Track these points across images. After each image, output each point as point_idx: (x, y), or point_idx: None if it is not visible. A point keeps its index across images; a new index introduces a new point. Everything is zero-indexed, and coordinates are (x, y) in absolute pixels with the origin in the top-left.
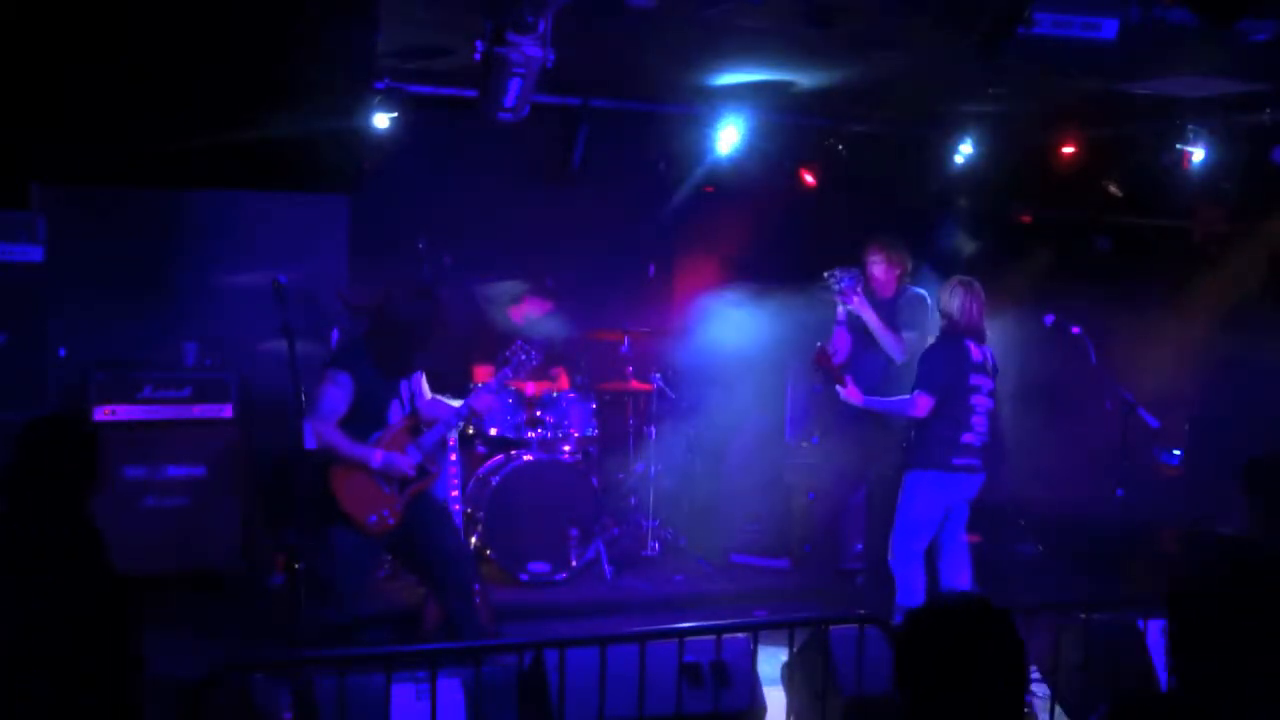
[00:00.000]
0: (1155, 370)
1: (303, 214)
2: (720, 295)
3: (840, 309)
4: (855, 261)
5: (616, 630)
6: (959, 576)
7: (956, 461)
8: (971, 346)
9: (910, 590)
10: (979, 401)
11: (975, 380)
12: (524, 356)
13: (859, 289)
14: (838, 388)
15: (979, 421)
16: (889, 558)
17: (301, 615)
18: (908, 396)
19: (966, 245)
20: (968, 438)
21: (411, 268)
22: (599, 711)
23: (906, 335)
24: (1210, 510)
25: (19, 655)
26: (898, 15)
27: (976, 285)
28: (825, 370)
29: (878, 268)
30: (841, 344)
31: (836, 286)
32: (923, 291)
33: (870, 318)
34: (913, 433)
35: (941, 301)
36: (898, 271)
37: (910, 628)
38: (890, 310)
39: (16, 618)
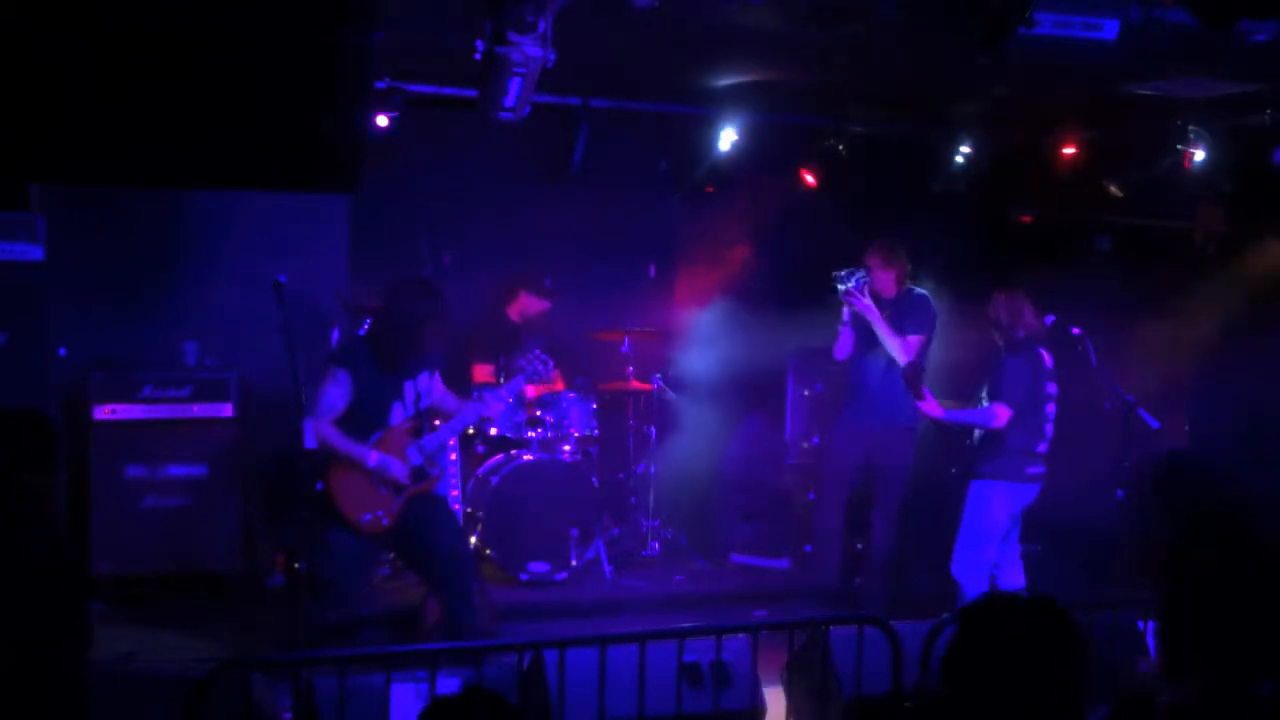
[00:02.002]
0: (1155, 370)
1: (303, 214)
2: (720, 295)
3: (846, 310)
4: (858, 263)
5: (616, 630)
6: (1015, 582)
7: (1031, 471)
8: (1044, 354)
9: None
10: (1051, 409)
11: (1049, 388)
12: (540, 366)
13: (865, 290)
14: (918, 402)
15: (1050, 429)
16: (953, 567)
17: (301, 615)
18: (985, 407)
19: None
20: (1042, 446)
21: (411, 268)
22: (599, 711)
23: (913, 338)
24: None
25: None
26: (898, 15)
27: (1018, 291)
28: (912, 384)
29: (877, 269)
30: (845, 344)
31: (843, 287)
32: (925, 292)
33: (876, 319)
34: (980, 442)
35: (991, 316)
36: (895, 273)
37: (970, 623)
38: (891, 311)
39: None
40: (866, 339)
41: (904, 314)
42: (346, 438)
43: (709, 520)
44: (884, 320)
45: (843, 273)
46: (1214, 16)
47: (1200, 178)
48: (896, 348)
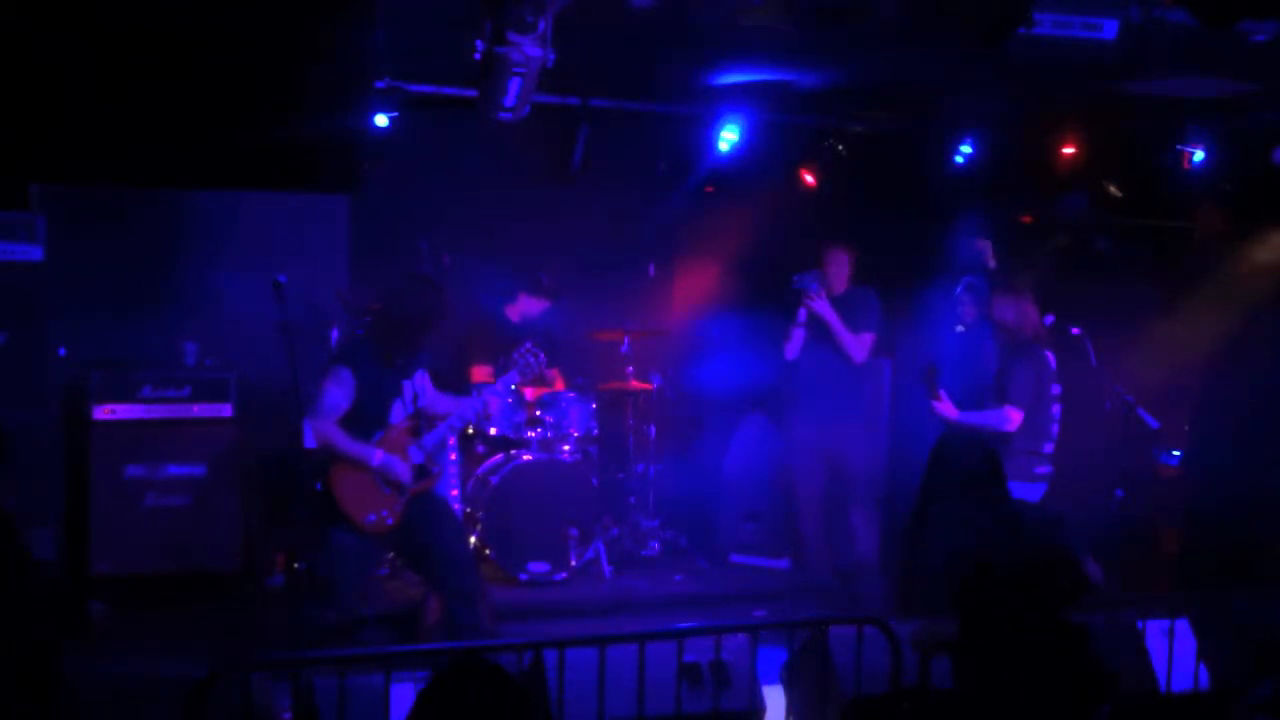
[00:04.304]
0: (1155, 370)
1: (303, 214)
2: (720, 295)
3: (802, 310)
4: (815, 263)
5: (616, 630)
6: None
7: (1038, 470)
8: (1049, 355)
9: None
10: (1056, 409)
11: (1053, 389)
12: (531, 360)
13: (823, 291)
14: (932, 402)
15: (1055, 428)
16: None
17: (301, 615)
18: (998, 410)
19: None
20: (1048, 446)
21: (411, 267)
22: (599, 712)
23: (866, 336)
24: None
25: None
26: (898, 14)
27: (1021, 289)
28: (928, 384)
29: (841, 266)
30: (797, 344)
31: (809, 290)
32: (872, 290)
33: (834, 320)
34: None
35: (997, 317)
36: (849, 271)
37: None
38: (842, 309)
39: None
40: (817, 338)
41: (855, 312)
42: (350, 438)
43: (709, 520)
44: (839, 320)
45: (805, 275)
46: (1214, 16)
47: (1200, 177)
48: (852, 346)
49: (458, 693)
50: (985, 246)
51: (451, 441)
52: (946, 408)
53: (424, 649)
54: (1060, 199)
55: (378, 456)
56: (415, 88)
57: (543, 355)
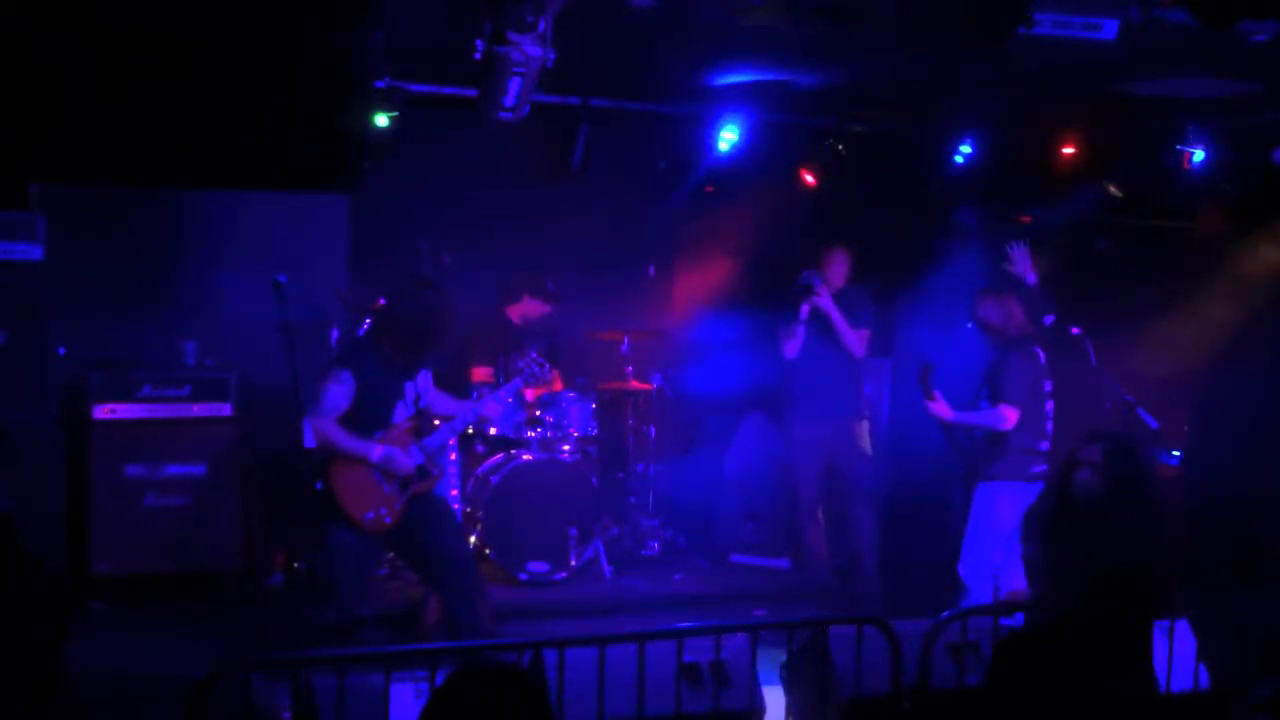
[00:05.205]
0: (1155, 370)
1: (303, 214)
2: (720, 295)
3: (805, 308)
4: (815, 263)
5: (616, 630)
6: (1017, 584)
7: (1035, 470)
8: (1039, 352)
9: (983, 599)
10: (1050, 406)
11: (1047, 386)
12: (536, 369)
13: (824, 289)
14: (928, 402)
15: (1050, 426)
16: (960, 568)
17: (301, 615)
18: (994, 409)
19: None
20: (1045, 445)
21: (412, 267)
22: (599, 712)
23: (863, 332)
24: (1211, 512)
25: None
26: (898, 14)
27: (1003, 290)
28: (923, 385)
29: (840, 265)
30: (798, 343)
31: (815, 286)
32: (865, 289)
33: (837, 316)
34: (984, 443)
35: (981, 317)
36: (848, 269)
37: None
38: (840, 306)
39: None
40: (817, 336)
41: (853, 309)
42: (349, 435)
43: (709, 520)
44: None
45: (809, 272)
46: (1214, 16)
47: (1200, 177)
48: (853, 342)
49: (470, 695)
50: (1023, 260)
51: (451, 442)
52: (941, 408)
53: (424, 649)
54: (1076, 194)
55: (378, 451)
56: (415, 88)
57: (548, 365)
